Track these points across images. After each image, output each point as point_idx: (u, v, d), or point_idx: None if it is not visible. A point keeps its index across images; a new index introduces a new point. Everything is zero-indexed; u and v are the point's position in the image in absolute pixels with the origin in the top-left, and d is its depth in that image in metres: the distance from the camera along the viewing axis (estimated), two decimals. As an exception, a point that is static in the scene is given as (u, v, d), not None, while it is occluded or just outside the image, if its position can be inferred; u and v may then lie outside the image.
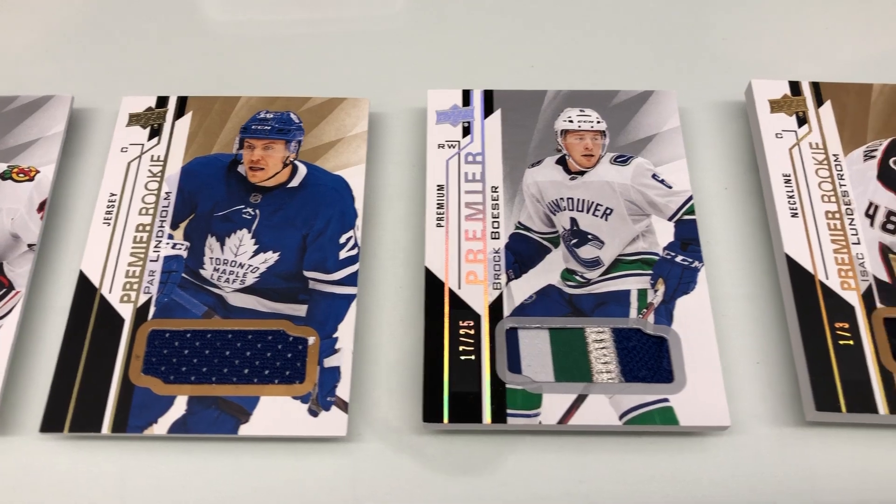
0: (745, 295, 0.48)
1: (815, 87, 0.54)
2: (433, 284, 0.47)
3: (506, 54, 0.58)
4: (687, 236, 0.48)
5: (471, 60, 0.58)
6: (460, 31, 0.60)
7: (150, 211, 0.50)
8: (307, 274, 0.47)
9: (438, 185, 0.50)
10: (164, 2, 0.62)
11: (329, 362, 0.44)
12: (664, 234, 0.48)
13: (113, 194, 0.50)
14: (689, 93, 0.56)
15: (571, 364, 0.44)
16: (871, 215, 0.49)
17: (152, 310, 0.46)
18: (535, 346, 0.45)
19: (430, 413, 0.43)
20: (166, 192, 0.50)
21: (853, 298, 0.46)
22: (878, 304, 0.46)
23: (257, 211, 0.49)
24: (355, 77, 0.57)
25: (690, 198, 0.49)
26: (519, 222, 0.49)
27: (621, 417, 0.43)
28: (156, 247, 0.48)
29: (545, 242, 0.48)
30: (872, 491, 0.42)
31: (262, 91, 0.55)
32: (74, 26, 0.60)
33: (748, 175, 0.53)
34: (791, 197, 0.49)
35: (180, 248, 0.48)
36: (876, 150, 0.51)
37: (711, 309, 0.46)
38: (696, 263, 0.47)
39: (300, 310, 0.46)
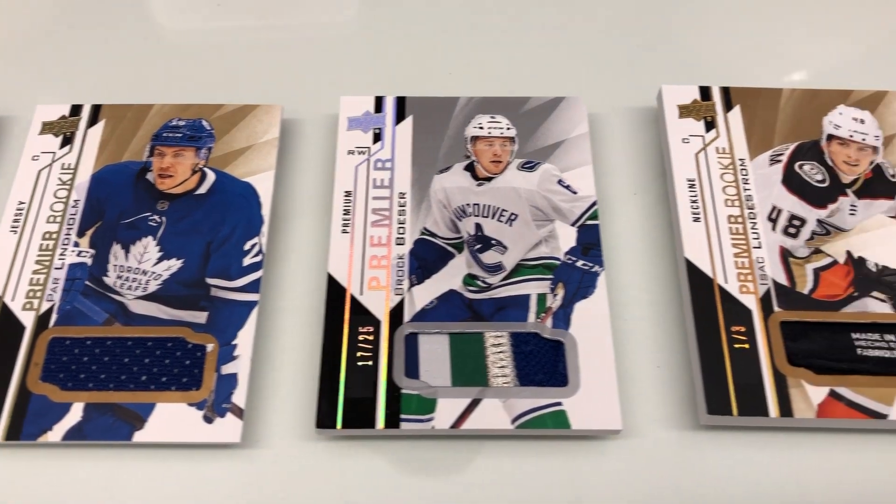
0: (648, 299, 0.49)
1: (726, 92, 0.54)
2: (335, 290, 0.47)
3: (424, 62, 0.58)
4: (589, 241, 0.48)
5: (389, 68, 0.58)
6: (381, 39, 0.60)
7: (58, 219, 0.50)
8: (209, 281, 0.47)
9: (346, 192, 0.50)
10: (82, 9, 0.62)
11: (227, 369, 0.45)
12: (567, 239, 0.48)
13: (21, 203, 0.50)
14: (603, 99, 0.56)
15: (469, 369, 0.45)
16: (773, 219, 0.49)
17: (54, 317, 0.46)
18: (435, 352, 0.45)
19: (324, 419, 0.43)
20: (75, 200, 0.50)
21: (751, 302, 0.46)
22: (776, 308, 0.46)
23: (164, 218, 0.49)
24: (272, 84, 0.57)
25: (594, 203, 0.50)
26: (425, 228, 0.49)
27: (514, 421, 0.43)
28: (61, 255, 0.48)
29: (449, 248, 0.48)
30: (765, 494, 0.43)
31: (178, 99, 0.55)
32: (-5, 35, 0.60)
33: (658, 181, 0.53)
34: (694, 201, 0.49)
35: (85, 256, 0.48)
36: (782, 154, 0.51)
37: (610, 313, 0.47)
38: (597, 268, 0.47)
39: (201, 317, 0.46)
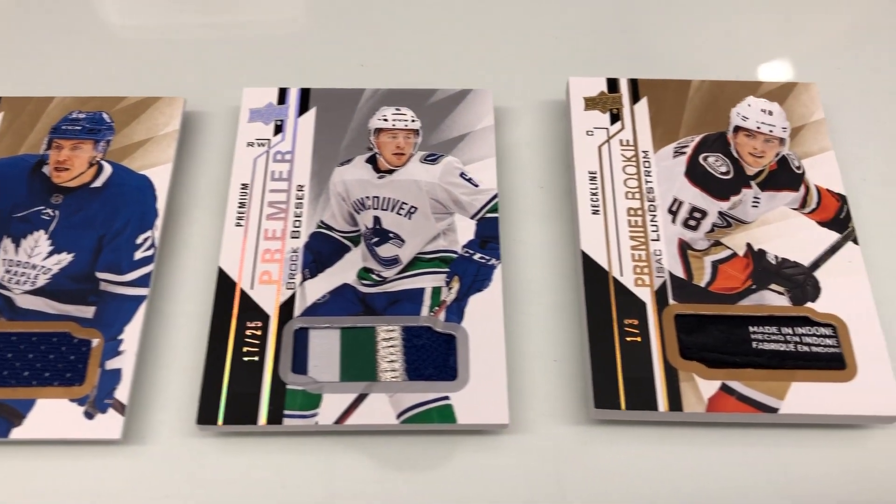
0: (549, 293, 0.48)
1: (634, 84, 0.53)
2: (225, 285, 0.46)
3: (335, 54, 0.58)
4: (487, 234, 0.48)
5: (299, 60, 0.57)
6: (292, 31, 0.59)
7: (-49, 213, 0.49)
8: (99, 275, 0.46)
9: (243, 184, 0.49)
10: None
11: (111, 364, 0.44)
12: (465, 232, 0.48)
13: (-86, 196, 0.49)
14: (515, 92, 0.55)
15: (358, 363, 0.44)
16: (674, 212, 0.48)
17: (-62, 313, 0.45)
18: (325, 346, 0.44)
19: (205, 415, 0.42)
20: (-32, 194, 0.49)
21: (646, 295, 0.45)
22: (671, 301, 0.45)
23: (57, 212, 0.48)
24: (178, 76, 0.56)
25: (495, 196, 0.49)
26: (321, 221, 0.48)
27: (399, 416, 0.42)
28: (-50, 249, 0.47)
29: (345, 241, 0.48)
30: (653, 489, 0.42)
31: (83, 91, 0.55)
32: None
33: (566, 174, 0.52)
34: (595, 194, 0.49)
35: (-26, 250, 0.47)
36: (686, 146, 0.51)
37: (507, 307, 0.46)
38: (493, 261, 0.47)
39: (88, 311, 0.45)
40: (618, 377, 0.43)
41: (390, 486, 0.42)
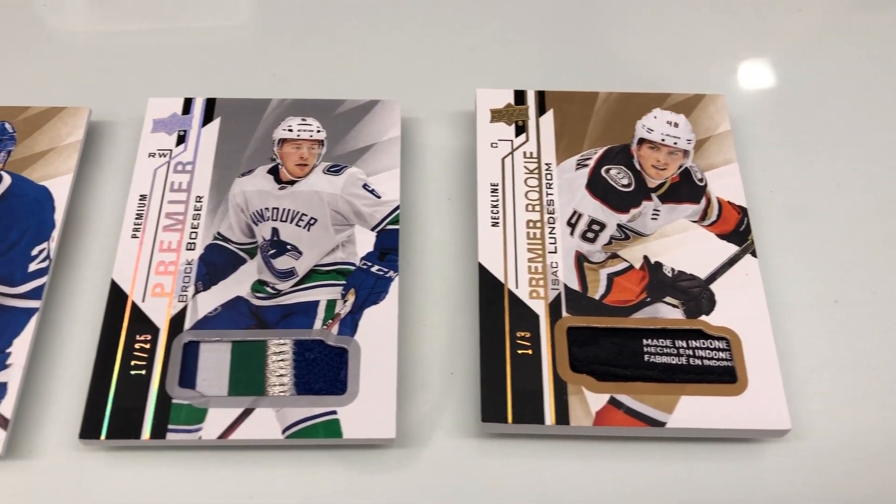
0: (449, 305, 0.48)
1: (541, 95, 0.53)
2: (116, 297, 0.45)
3: (245, 63, 0.57)
4: (387, 246, 0.47)
5: (210, 69, 0.57)
6: (201, 40, 0.59)
7: None
8: (-10, 287, 0.46)
9: (141, 196, 0.49)
10: None
11: (-3, 378, 0.43)
12: (365, 244, 0.48)
13: None
14: (425, 103, 0.55)
15: (247, 377, 0.44)
16: (572, 224, 0.48)
17: None
18: (215, 360, 0.44)
19: (88, 429, 0.42)
20: None
21: (540, 308, 0.45)
22: (565, 314, 0.45)
23: (-49, 223, 0.48)
24: (83, 86, 0.56)
25: (397, 208, 0.49)
26: (218, 232, 0.48)
27: (285, 431, 0.42)
28: None
29: (241, 253, 0.47)
30: (541, 501, 0.42)
31: (-13, 100, 0.54)
32: None
33: (473, 185, 0.52)
34: (495, 206, 0.49)
35: None
36: (590, 158, 0.51)
37: (405, 319, 0.46)
38: (391, 273, 0.46)
39: (-23, 325, 0.45)
40: (506, 390, 0.43)
41: (276, 501, 0.42)
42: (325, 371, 0.44)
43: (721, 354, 0.44)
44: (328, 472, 0.43)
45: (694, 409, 0.43)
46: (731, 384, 0.43)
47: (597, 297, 0.46)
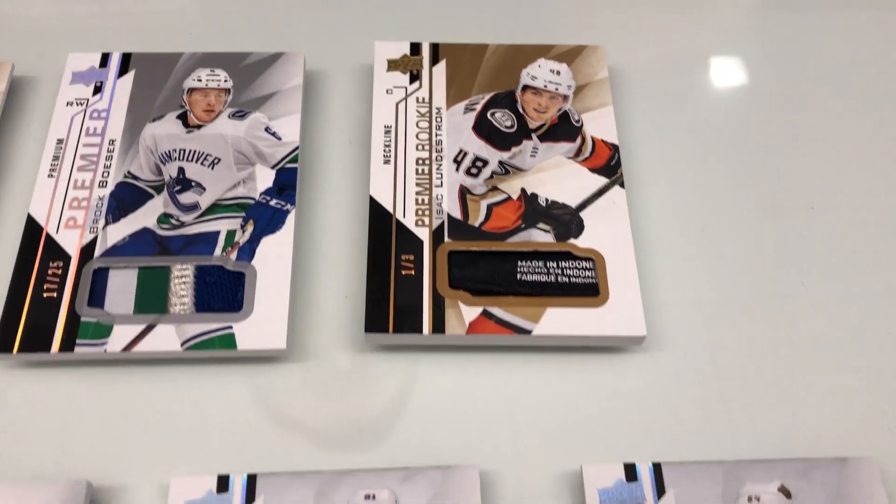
0: (343, 235, 0.52)
1: (435, 47, 0.58)
2: (32, 229, 0.49)
3: (159, 19, 0.61)
4: (285, 182, 0.51)
5: (127, 26, 0.61)
6: None
7: None
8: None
9: (58, 139, 0.53)
10: None
11: (-83, 302, 0.47)
12: (265, 180, 0.52)
13: None
14: (328, 56, 0.59)
15: (151, 298, 0.47)
16: (458, 161, 0.53)
17: None
18: (122, 284, 0.48)
19: (1, 344, 0.45)
20: None
21: (424, 234, 0.49)
22: (447, 239, 0.49)
23: None
24: (3, 42, 0.59)
25: (296, 148, 0.53)
26: (128, 171, 0.52)
27: (184, 344, 0.46)
28: None
29: (149, 189, 0.51)
30: (417, 407, 0.46)
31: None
32: None
33: (371, 130, 0.56)
34: (388, 146, 0.53)
35: None
36: (477, 103, 0.55)
37: (296, 248, 0.50)
38: (288, 206, 0.50)
39: None
40: (389, 305, 0.47)
41: (176, 409, 0.45)
42: (223, 292, 0.48)
43: (587, 273, 0.49)
44: (224, 384, 0.46)
45: (558, 319, 0.47)
46: (594, 297, 0.48)
47: (476, 224, 0.50)
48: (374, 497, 0.42)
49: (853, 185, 0.55)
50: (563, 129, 0.54)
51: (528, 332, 0.46)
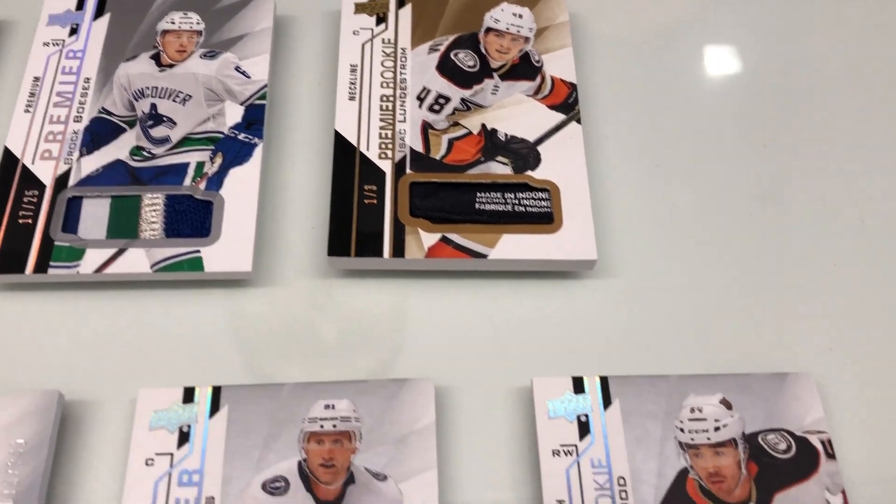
0: (310, 169, 0.54)
1: (402, -8, 0.59)
2: (8, 161, 0.51)
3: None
4: (254, 118, 0.53)
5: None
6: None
7: None
8: None
9: (35, 77, 0.55)
10: None
11: None
12: (234, 116, 0.53)
13: None
14: (299, 2, 0.61)
15: (123, 225, 0.49)
16: (421, 98, 0.54)
17: None
18: (96, 212, 0.50)
19: (-22, 267, 0.47)
20: None
21: (387, 166, 0.51)
22: (409, 171, 0.51)
23: None
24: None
25: (265, 86, 0.55)
26: (102, 107, 0.54)
27: (153, 266, 0.48)
28: None
29: (122, 124, 0.53)
30: (378, 327, 0.48)
31: None
32: None
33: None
34: (353, 83, 0.55)
35: None
36: (441, 44, 0.57)
37: (264, 179, 0.52)
38: (256, 140, 0.52)
39: None
40: (352, 231, 0.49)
41: (146, 330, 0.48)
42: (191, 220, 0.50)
43: (542, 203, 0.51)
44: (193, 307, 0.48)
45: (514, 245, 0.49)
46: (548, 224, 0.50)
47: (437, 157, 0.52)
48: (333, 406, 0.44)
49: (808, 121, 0.57)
50: (524, 68, 0.56)
51: (484, 256, 0.49)
